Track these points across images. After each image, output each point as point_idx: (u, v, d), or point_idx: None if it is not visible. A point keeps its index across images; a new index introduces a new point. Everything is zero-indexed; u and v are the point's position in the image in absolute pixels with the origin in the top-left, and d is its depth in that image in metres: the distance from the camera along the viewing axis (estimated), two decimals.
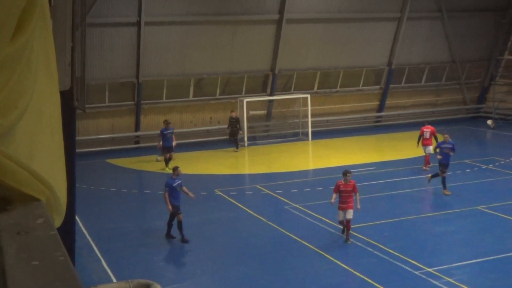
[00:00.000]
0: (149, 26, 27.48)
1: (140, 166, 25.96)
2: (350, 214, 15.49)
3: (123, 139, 27.98)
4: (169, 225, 16.26)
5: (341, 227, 16.10)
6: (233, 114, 27.73)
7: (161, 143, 24.36)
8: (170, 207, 15.92)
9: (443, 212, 18.28)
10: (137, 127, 29.30)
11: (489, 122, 34.44)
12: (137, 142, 29.77)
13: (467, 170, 23.42)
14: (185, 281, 14.01)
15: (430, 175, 21.01)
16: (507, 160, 25.05)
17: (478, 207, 18.50)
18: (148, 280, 2.82)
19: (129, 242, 16.31)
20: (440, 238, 16.36)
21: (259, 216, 18.11)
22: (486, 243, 15.54)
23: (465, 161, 24.95)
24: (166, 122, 24.77)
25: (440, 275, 13.49)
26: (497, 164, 24.46)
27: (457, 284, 13.01)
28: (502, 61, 36.06)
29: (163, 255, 15.55)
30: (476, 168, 23.77)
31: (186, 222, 17.39)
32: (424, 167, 23.42)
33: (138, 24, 27.15)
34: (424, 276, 13.48)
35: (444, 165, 19.87)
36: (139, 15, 26.96)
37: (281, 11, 29.52)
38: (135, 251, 15.77)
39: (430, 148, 23.11)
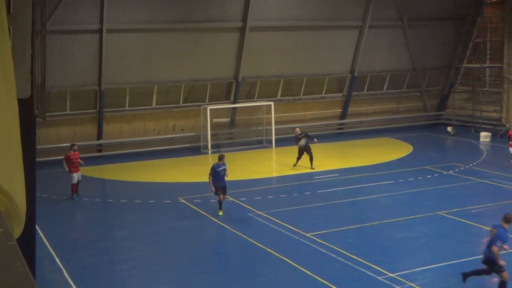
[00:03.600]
0: (112, 34, 27.23)
1: (102, 175, 25.64)
2: None
3: (85, 147, 27.53)
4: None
5: None
6: (297, 130, 26.28)
7: (212, 182, 18.84)
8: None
9: (405, 218, 18.40)
10: (99, 135, 28.95)
11: (449, 128, 35.04)
12: (99, 151, 29.40)
13: (428, 176, 23.71)
14: None
15: None
16: (467, 166, 25.49)
17: (439, 213, 18.69)
18: None
19: (91, 252, 16.06)
20: (402, 243, 16.51)
21: (223, 224, 18.05)
22: (447, 248, 15.72)
23: (426, 167, 25.33)
24: (220, 157, 19.28)
25: (403, 280, 13.58)
26: (457, 170, 24.83)
27: None
28: (461, 69, 36.76)
29: (126, 265, 15.34)
30: (436, 174, 24.08)
31: (150, 230, 17.23)
32: None
33: (100, 31, 26.87)
34: (387, 282, 13.52)
35: None
36: (101, 22, 26.69)
37: (244, 19, 29.60)
38: (98, 261, 15.54)
39: None
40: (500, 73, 34.37)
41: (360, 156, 28.33)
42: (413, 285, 13.26)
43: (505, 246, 12.24)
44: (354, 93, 35.00)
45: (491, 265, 12.36)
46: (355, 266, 14.40)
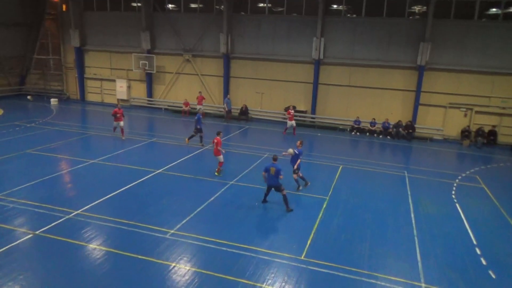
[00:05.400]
0: None
1: None
2: None
3: None
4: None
5: None
6: None
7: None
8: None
9: (2, 157, 16.78)
10: None
11: (29, 97, 32.96)
12: None
13: (17, 128, 22.07)
14: None
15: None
16: (43, 120, 24.72)
17: (28, 151, 17.69)
18: None
19: None
20: (1, 174, 14.83)
21: None
22: (35, 173, 15.16)
23: (15, 122, 23.47)
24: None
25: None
26: (37, 123, 23.84)
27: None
28: (33, 59, 34.31)
29: None
30: (23, 127, 22.61)
31: None
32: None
33: None
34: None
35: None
36: None
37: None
38: None
39: None
40: (60, 62, 33.80)
41: None
42: (13, 199, 12.53)
43: (281, 176, 12.19)
44: None
45: (277, 187, 12.16)
46: None
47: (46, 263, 9.24)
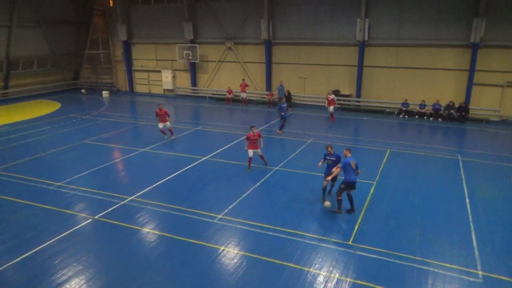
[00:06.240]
0: None
1: None
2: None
3: None
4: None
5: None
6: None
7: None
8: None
9: (63, 147, 17.67)
10: None
11: (82, 90, 34.67)
12: None
13: (73, 120, 23.35)
14: None
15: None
16: (97, 112, 25.95)
17: (84, 141, 18.55)
18: None
19: None
20: (63, 162, 15.68)
21: None
22: (93, 160, 16.00)
23: (71, 115, 24.89)
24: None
25: (68, 185, 13.55)
26: (91, 115, 25.03)
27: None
28: (86, 54, 36.05)
29: None
30: (78, 119, 23.84)
31: None
32: None
33: None
34: (57, 189, 13.34)
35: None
36: None
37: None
38: None
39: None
40: (109, 56, 35.24)
41: (23, 114, 25.72)
42: (74, 187, 13.27)
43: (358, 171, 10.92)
44: (12, 72, 30.87)
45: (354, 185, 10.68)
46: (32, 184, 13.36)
47: (105, 246, 9.84)
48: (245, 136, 14.98)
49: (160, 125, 18.53)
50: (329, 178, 11.25)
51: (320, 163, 11.79)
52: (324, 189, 11.54)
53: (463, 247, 9.65)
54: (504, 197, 12.51)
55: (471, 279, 8.47)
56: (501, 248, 9.67)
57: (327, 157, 11.59)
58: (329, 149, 11.56)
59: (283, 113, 19.72)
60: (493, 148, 17.77)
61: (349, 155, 10.89)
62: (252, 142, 14.26)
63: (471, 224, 10.78)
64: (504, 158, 16.35)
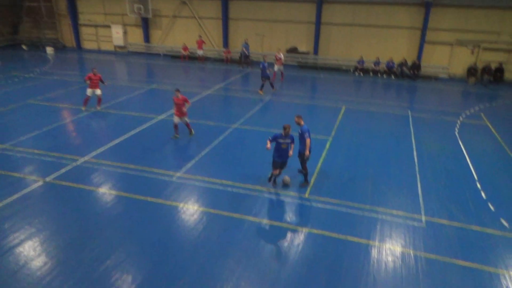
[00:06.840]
0: None
1: None
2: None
3: None
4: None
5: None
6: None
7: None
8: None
9: (6, 108, 16.77)
10: None
11: (24, 46, 32.20)
12: None
13: (15, 80, 21.82)
14: None
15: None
16: (41, 69, 24.32)
17: (29, 101, 17.60)
18: None
19: None
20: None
21: None
22: (39, 122, 15.33)
23: (13, 73, 23.15)
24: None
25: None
26: (35, 73, 23.49)
27: None
28: (25, 7, 33.13)
29: None
30: (21, 77, 22.30)
31: None
32: None
33: None
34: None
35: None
36: None
37: None
38: None
39: None
40: (52, 8, 32.66)
41: None
42: (21, 149, 12.76)
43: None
44: None
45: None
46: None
47: (60, 207, 9.56)
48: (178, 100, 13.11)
49: (89, 92, 16.04)
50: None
51: (268, 145, 9.57)
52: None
53: (409, 196, 10.34)
54: (448, 149, 13.40)
55: (415, 224, 9.16)
56: (444, 196, 10.46)
57: (281, 140, 9.44)
58: (287, 129, 9.29)
59: (268, 71, 19.35)
60: (440, 104, 18.75)
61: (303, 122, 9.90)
62: (178, 107, 12.98)
63: (417, 174, 11.51)
64: (449, 113, 17.36)
